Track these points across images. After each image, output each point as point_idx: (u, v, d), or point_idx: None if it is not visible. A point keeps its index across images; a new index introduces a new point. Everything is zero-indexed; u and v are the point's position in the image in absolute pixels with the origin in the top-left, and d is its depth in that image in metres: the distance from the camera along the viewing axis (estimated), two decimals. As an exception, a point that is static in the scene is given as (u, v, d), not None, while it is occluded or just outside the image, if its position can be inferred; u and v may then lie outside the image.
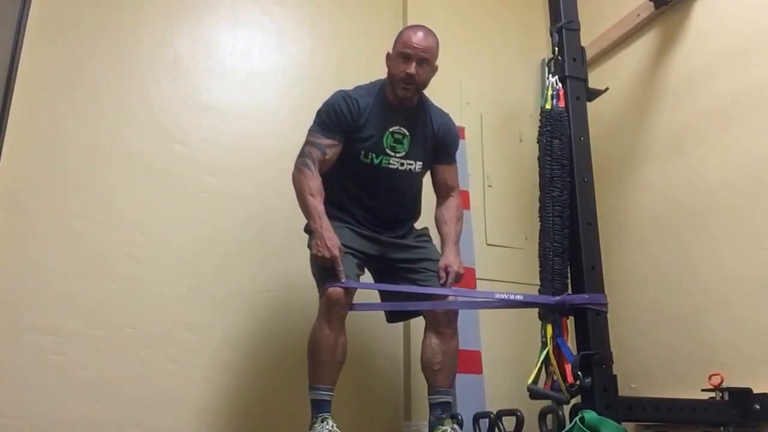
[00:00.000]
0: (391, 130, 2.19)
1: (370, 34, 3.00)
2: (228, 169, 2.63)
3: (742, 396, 2.12)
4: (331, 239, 2.02)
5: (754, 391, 2.11)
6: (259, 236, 2.61)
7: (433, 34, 2.19)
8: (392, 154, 2.19)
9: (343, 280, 2.00)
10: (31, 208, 2.32)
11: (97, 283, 2.33)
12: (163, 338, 2.36)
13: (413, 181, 2.29)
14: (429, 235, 2.30)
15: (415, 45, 2.13)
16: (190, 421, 2.33)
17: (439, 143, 2.27)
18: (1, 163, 2.29)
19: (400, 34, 2.21)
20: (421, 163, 2.25)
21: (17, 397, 2.15)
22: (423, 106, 2.26)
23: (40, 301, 2.25)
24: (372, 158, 2.17)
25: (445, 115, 2.32)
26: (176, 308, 2.41)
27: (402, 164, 2.21)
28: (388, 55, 2.21)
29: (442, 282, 2.11)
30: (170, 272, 2.44)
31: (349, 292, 2.02)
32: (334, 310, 1.99)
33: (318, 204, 2.09)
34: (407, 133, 2.21)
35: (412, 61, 2.13)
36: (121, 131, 2.51)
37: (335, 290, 1.98)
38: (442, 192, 2.32)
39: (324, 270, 2.03)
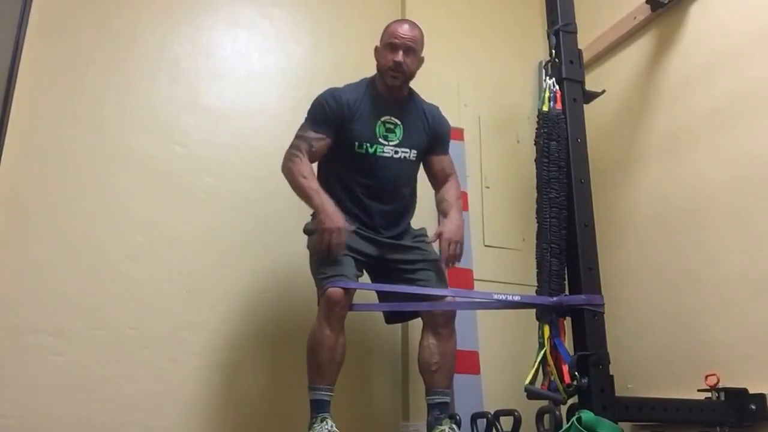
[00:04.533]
0: (382, 119, 2.24)
1: (368, 37, 2.97)
2: (227, 170, 2.64)
3: (738, 396, 2.13)
4: (335, 213, 2.05)
5: (750, 392, 2.12)
6: (258, 236, 2.62)
7: (418, 27, 2.29)
8: (385, 142, 2.23)
9: (345, 272, 2.03)
10: (31, 208, 2.33)
11: (96, 284, 2.34)
12: (163, 338, 2.37)
13: (408, 170, 2.30)
14: (427, 235, 2.31)
15: (402, 35, 2.22)
16: (190, 421, 2.34)
17: (434, 134, 2.33)
18: (1, 164, 2.30)
19: (387, 27, 2.29)
20: (415, 151, 2.29)
21: (17, 397, 2.16)
22: (413, 98, 2.33)
23: (40, 301, 2.26)
24: (366, 148, 2.21)
25: (436, 108, 2.39)
26: (175, 308, 2.42)
27: (396, 152, 2.25)
28: (376, 48, 2.30)
29: (443, 254, 2.13)
30: (170, 272, 2.45)
31: (349, 292, 2.03)
32: (334, 310, 2.00)
33: (312, 182, 2.13)
34: (399, 123, 2.25)
35: (399, 50, 2.21)
36: (121, 132, 2.52)
37: (335, 291, 1.99)
38: (440, 180, 2.36)
39: (324, 266, 2.05)
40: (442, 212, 2.30)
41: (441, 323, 2.14)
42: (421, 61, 2.30)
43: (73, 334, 2.26)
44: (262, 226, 2.63)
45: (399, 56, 2.20)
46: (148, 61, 2.65)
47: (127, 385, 2.29)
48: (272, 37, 2.92)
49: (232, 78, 2.78)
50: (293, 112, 2.69)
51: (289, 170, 2.18)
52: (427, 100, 2.37)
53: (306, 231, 2.25)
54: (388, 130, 2.24)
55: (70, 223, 2.37)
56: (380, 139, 2.23)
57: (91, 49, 2.56)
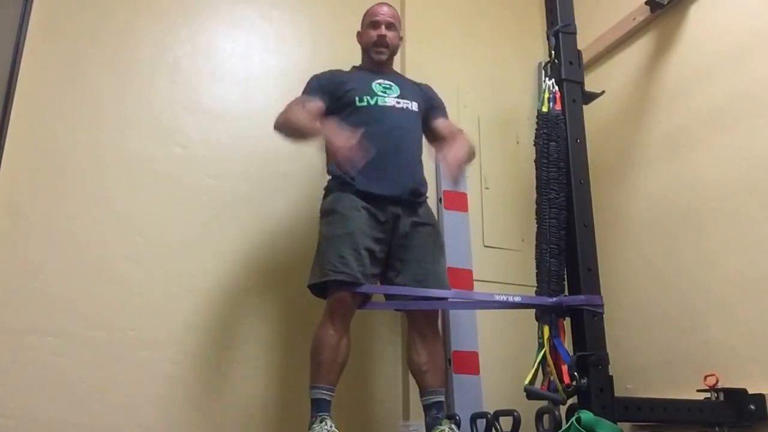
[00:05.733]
0: (377, 81, 2.35)
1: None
2: (227, 172, 2.64)
3: (737, 396, 2.14)
4: (341, 133, 2.05)
5: (749, 392, 2.12)
6: (258, 238, 2.62)
7: (395, 8, 2.52)
8: (384, 95, 2.32)
9: (357, 271, 2.04)
10: (31, 209, 2.33)
11: (96, 285, 2.34)
12: (163, 340, 2.37)
13: (412, 121, 2.35)
14: (436, 221, 2.37)
15: (382, 13, 2.43)
16: (191, 422, 2.34)
17: (428, 99, 2.44)
18: (1, 165, 2.31)
19: (366, 12, 2.48)
20: (416, 104, 2.36)
21: (17, 398, 2.16)
22: (400, 75, 2.51)
23: (40, 302, 2.26)
24: (367, 100, 2.29)
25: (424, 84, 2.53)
26: (176, 310, 2.42)
27: (398, 102, 2.33)
28: (358, 32, 2.49)
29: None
30: (169, 274, 2.45)
31: (356, 294, 2.04)
32: (340, 311, 2.01)
33: (300, 115, 2.21)
34: (393, 83, 2.37)
35: (381, 26, 2.40)
36: (121, 134, 2.52)
37: (342, 292, 2.00)
38: (449, 135, 2.35)
39: (338, 258, 2.05)
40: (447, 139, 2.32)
41: (423, 323, 2.16)
42: (400, 38, 2.49)
43: (73, 335, 2.26)
44: (263, 227, 2.63)
45: (382, 30, 2.39)
46: (148, 63, 2.65)
47: (127, 386, 2.29)
48: (272, 39, 2.92)
49: (232, 79, 2.78)
50: (293, 113, 2.71)
51: (282, 119, 2.24)
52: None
53: (323, 212, 2.23)
54: (385, 88, 2.34)
55: (70, 224, 2.37)
56: (379, 93, 2.32)
57: (91, 51, 2.56)
